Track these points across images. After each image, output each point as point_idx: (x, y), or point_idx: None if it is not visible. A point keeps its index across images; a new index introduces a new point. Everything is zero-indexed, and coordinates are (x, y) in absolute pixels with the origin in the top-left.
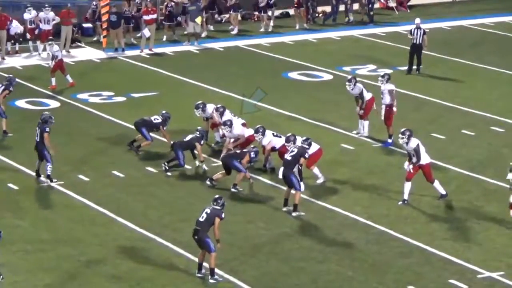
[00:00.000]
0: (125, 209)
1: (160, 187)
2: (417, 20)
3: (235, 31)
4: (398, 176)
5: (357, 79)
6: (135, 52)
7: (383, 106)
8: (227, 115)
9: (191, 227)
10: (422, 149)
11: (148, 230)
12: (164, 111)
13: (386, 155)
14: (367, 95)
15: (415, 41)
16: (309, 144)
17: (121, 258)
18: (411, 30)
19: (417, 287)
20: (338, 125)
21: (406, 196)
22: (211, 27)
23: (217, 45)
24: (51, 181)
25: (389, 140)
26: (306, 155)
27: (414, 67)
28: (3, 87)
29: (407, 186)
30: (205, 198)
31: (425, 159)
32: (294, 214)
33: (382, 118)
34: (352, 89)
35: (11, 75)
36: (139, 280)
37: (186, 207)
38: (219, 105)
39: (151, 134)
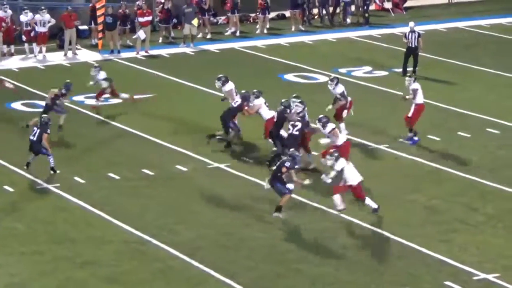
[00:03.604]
0: (121, 211)
1: (156, 189)
2: (411, 24)
3: (230, 31)
4: (394, 178)
5: (339, 77)
6: (131, 54)
7: (413, 105)
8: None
9: (187, 229)
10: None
11: (144, 232)
12: (243, 91)
13: (380, 158)
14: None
15: (410, 45)
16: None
17: (117, 260)
18: (405, 34)
19: None
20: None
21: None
22: (209, 35)
23: (213, 47)
24: (55, 172)
25: (416, 138)
26: (287, 164)
27: (410, 68)
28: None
29: (337, 198)
30: (201, 200)
31: (355, 179)
32: (274, 214)
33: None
34: (333, 89)
35: (67, 81)
36: (135, 282)
37: (182, 209)
38: (255, 90)
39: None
